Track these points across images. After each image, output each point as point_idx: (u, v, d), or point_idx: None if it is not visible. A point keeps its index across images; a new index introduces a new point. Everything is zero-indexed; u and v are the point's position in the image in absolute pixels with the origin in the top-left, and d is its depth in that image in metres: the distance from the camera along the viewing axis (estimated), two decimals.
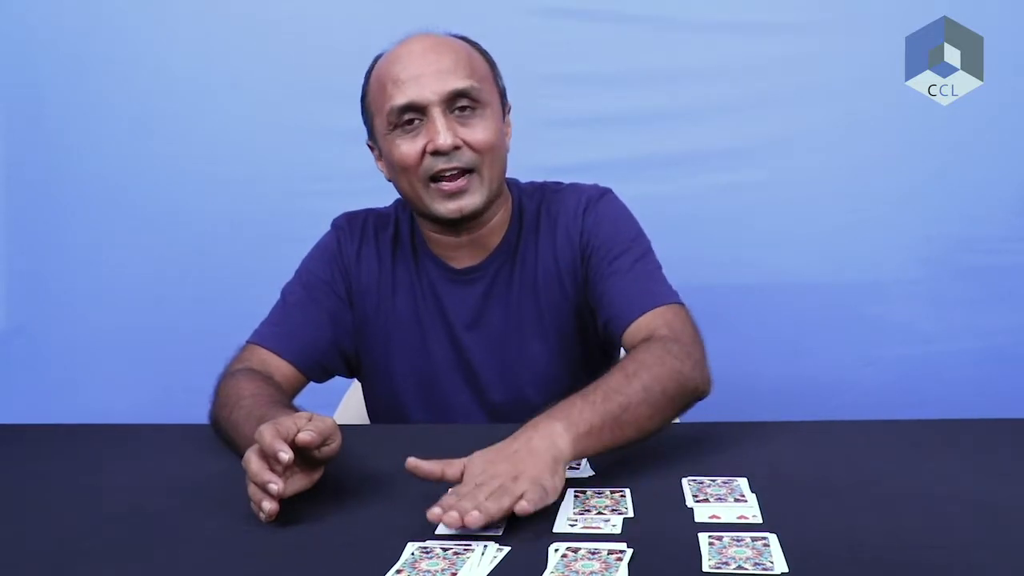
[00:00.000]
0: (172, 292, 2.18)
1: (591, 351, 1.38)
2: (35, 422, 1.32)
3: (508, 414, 1.34)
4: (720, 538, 0.84)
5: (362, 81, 1.33)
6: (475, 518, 0.85)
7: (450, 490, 0.93)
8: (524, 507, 0.88)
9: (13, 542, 0.89)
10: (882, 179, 2.13)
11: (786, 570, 0.78)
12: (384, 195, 1.43)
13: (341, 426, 1.12)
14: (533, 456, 0.94)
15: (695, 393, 1.12)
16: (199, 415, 1.25)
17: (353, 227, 1.41)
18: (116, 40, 2.15)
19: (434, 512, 0.87)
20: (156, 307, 2.18)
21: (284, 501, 0.98)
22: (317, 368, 1.36)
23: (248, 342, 1.34)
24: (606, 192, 1.38)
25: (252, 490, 0.92)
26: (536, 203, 1.38)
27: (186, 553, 0.86)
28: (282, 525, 0.91)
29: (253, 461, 0.92)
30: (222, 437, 1.19)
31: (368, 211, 1.44)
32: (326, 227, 1.44)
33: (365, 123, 1.35)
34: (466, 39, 1.34)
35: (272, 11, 2.15)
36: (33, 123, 2.19)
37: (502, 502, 0.88)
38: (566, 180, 1.43)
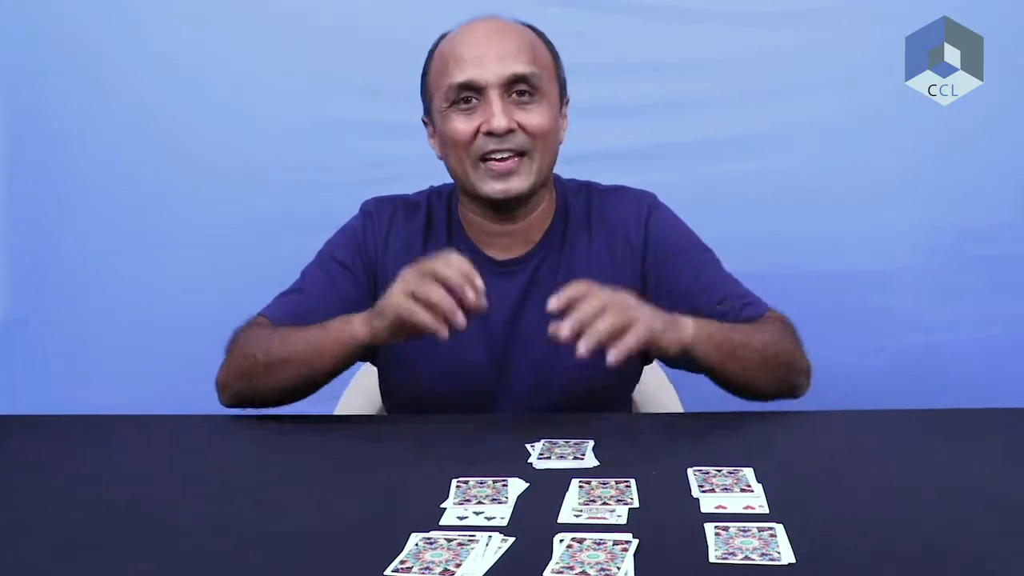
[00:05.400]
0: (175, 284, 2.17)
1: (628, 358, 1.37)
2: (37, 413, 1.31)
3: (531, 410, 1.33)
4: (726, 528, 0.84)
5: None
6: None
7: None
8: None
9: (16, 533, 0.89)
10: (886, 169, 2.12)
11: (793, 560, 0.78)
12: (396, 186, 1.42)
13: (344, 417, 1.12)
14: (651, 309, 1.14)
15: (797, 379, 1.26)
16: (202, 406, 1.25)
17: (381, 213, 1.39)
18: (119, 33, 2.14)
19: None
20: (160, 299, 2.17)
21: (288, 490, 0.98)
22: None
23: (260, 313, 1.32)
24: (655, 197, 1.39)
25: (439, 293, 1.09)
26: (584, 201, 1.38)
27: (189, 543, 0.85)
28: (286, 515, 0.91)
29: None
30: (248, 364, 1.23)
31: (398, 197, 1.42)
32: (334, 218, 1.41)
33: (423, 99, 1.36)
34: (533, 28, 1.34)
35: (277, 3, 2.14)
36: (35, 116, 2.18)
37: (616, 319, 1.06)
38: (571, 169, 1.42)
